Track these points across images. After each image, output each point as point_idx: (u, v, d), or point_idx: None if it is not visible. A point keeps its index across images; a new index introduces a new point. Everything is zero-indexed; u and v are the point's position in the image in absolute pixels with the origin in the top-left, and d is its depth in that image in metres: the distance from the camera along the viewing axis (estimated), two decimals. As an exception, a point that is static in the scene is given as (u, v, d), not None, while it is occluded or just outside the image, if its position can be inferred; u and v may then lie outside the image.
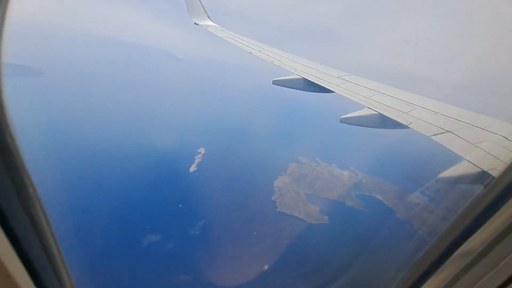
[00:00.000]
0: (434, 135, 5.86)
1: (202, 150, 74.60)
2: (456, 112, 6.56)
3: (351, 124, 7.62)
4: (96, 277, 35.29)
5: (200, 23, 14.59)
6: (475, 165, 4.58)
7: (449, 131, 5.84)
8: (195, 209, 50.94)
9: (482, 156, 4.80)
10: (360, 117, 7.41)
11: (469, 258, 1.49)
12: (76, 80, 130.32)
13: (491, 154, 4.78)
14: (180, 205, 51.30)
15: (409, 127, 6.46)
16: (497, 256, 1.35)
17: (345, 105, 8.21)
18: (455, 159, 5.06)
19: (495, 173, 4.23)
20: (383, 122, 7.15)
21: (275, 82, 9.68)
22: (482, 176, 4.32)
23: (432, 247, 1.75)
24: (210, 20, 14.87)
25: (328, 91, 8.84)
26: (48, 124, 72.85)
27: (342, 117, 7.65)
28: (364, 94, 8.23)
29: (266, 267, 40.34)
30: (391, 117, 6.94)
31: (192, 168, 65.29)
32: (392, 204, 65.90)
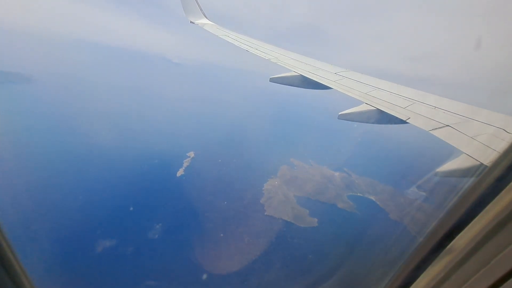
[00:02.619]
0: (433, 129, 5.81)
1: (191, 154, 74.34)
2: (455, 106, 6.52)
3: (349, 120, 7.57)
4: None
5: (196, 21, 14.51)
6: (474, 158, 4.56)
7: (448, 125, 5.80)
8: (178, 214, 50.53)
9: (480, 149, 4.77)
10: (358, 113, 7.36)
11: (460, 255, 1.42)
12: (68, 86, 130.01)
13: (490, 147, 4.76)
14: (163, 210, 50.89)
15: (407, 122, 6.42)
16: (489, 252, 1.28)
17: (343, 101, 8.18)
18: (454, 153, 5.03)
19: (489, 162, 4.19)
20: (382, 117, 7.10)
21: (273, 80, 9.61)
22: (480, 169, 4.30)
23: (422, 244, 1.70)
24: (206, 18, 14.78)
25: (326, 87, 8.79)
26: (40, 129, 72.56)
27: (340, 113, 7.59)
28: (362, 90, 8.18)
29: (249, 270, 40.40)
30: (390, 113, 6.90)
31: (180, 173, 64.84)
32: (385, 205, 65.57)
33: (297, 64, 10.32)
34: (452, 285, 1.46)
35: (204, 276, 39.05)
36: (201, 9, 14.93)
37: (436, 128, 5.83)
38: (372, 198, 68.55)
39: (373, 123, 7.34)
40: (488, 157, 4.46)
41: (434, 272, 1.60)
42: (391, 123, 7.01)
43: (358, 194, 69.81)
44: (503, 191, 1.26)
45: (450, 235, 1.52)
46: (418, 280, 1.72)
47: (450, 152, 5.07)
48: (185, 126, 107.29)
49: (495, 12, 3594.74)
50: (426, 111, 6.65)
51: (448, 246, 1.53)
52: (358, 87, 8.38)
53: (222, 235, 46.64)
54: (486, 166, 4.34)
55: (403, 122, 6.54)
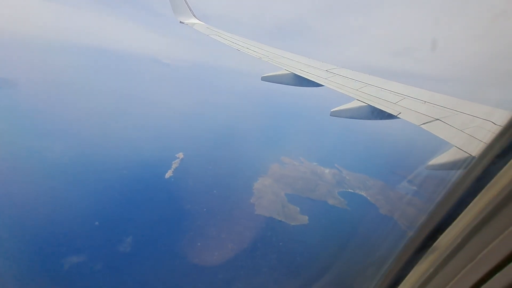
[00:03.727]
0: (423, 123, 5.91)
1: (180, 155, 72.91)
2: (444, 100, 6.64)
3: (341, 117, 7.64)
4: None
5: (186, 21, 14.39)
6: (464, 151, 4.66)
7: (438, 119, 5.90)
8: (166, 216, 49.62)
9: (470, 141, 4.87)
10: (350, 110, 7.43)
11: (447, 250, 1.44)
12: (54, 90, 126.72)
13: (479, 139, 4.87)
14: (151, 212, 49.88)
15: (398, 117, 6.51)
16: (476, 246, 1.29)
17: (335, 98, 8.25)
18: (444, 147, 5.12)
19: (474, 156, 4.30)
20: (373, 113, 7.18)
21: (264, 78, 9.62)
22: (469, 162, 4.37)
23: (410, 241, 1.71)
24: (196, 18, 14.67)
25: (318, 85, 8.84)
26: (24, 134, 70.62)
27: (332, 110, 7.66)
28: (353, 87, 8.26)
29: (239, 271, 40.04)
30: (381, 108, 6.98)
31: (168, 174, 63.57)
32: (375, 200, 65.95)
33: (288, 62, 10.35)
34: (442, 280, 1.46)
35: (194, 277, 38.68)
36: (190, 9, 14.80)
37: (426, 122, 5.93)
38: (363, 193, 68.87)
39: (365, 119, 7.43)
40: (477, 149, 4.56)
41: (424, 268, 1.61)
42: (383, 119, 7.11)
43: (349, 190, 70.00)
44: (489, 184, 1.28)
45: (438, 231, 1.54)
46: (408, 277, 1.73)
47: (441, 145, 5.16)
48: (174, 126, 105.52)
49: (477, 5, 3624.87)
50: (416, 106, 6.76)
51: (436, 242, 1.55)
52: (349, 84, 8.46)
53: (211, 236, 45.89)
54: (476, 158, 4.44)
55: (394, 117, 6.63)
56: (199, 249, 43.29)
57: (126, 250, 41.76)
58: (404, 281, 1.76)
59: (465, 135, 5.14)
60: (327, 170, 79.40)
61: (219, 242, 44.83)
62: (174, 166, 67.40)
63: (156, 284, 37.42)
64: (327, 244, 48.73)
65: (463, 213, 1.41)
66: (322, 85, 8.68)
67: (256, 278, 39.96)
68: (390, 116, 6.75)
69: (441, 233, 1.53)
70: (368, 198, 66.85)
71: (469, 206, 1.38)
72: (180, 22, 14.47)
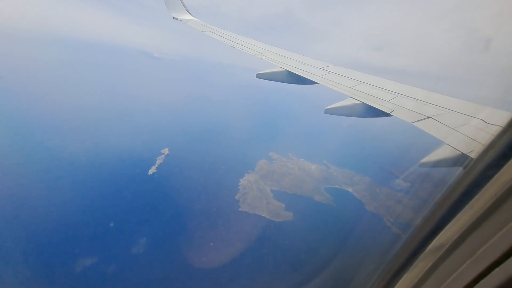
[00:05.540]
0: (415, 121, 5.99)
1: (165, 151, 71.44)
2: (436, 98, 6.74)
3: (335, 115, 7.69)
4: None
5: (179, 17, 14.24)
6: (455, 148, 4.74)
7: (430, 117, 5.99)
8: (146, 214, 48.63)
9: (461, 139, 4.96)
10: (344, 107, 7.48)
11: (446, 248, 1.47)
12: (39, 83, 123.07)
13: (470, 137, 4.96)
14: (130, 210, 48.76)
15: (391, 115, 6.59)
16: (474, 243, 1.32)
17: (329, 96, 8.28)
18: (437, 144, 5.21)
19: (474, 155, 4.40)
20: (366, 111, 7.25)
21: (259, 76, 9.61)
22: (462, 159, 4.48)
23: (411, 237, 1.74)
24: (190, 14, 14.53)
25: (312, 82, 8.87)
26: (5, 129, 68.85)
27: (326, 108, 7.70)
28: (347, 84, 8.32)
29: (219, 270, 39.46)
30: (374, 106, 7.06)
31: (152, 171, 62.23)
32: (361, 196, 66.00)
33: (282, 59, 10.35)
34: (442, 275, 1.50)
35: (173, 274, 38.15)
36: (184, 5, 14.66)
37: (418, 120, 6.01)
38: (349, 190, 68.97)
39: (358, 116, 7.50)
40: (468, 147, 4.66)
41: (424, 264, 1.64)
42: (376, 116, 7.18)
43: (336, 186, 69.90)
44: (489, 183, 1.30)
45: (438, 228, 1.57)
46: (407, 273, 1.76)
47: (433, 143, 5.25)
48: (162, 121, 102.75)
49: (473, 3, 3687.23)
50: (408, 104, 6.85)
51: (436, 239, 1.58)
52: (343, 82, 8.51)
53: (192, 234, 45.05)
54: (468, 156, 4.56)
55: (387, 115, 6.71)
56: (180, 246, 42.62)
57: (104, 248, 40.75)
58: (404, 277, 1.79)
59: (457, 133, 5.24)
60: (314, 166, 79.20)
61: (200, 241, 44.07)
62: (158, 162, 66.05)
63: (129, 280, 36.89)
64: (309, 241, 48.39)
65: (463, 210, 1.44)
66: (316, 83, 8.71)
67: (237, 276, 39.46)
68: (383, 114, 6.83)
69: (441, 230, 1.56)
70: (355, 194, 66.89)
71: (469, 203, 1.41)
72: (174, 18, 14.33)
